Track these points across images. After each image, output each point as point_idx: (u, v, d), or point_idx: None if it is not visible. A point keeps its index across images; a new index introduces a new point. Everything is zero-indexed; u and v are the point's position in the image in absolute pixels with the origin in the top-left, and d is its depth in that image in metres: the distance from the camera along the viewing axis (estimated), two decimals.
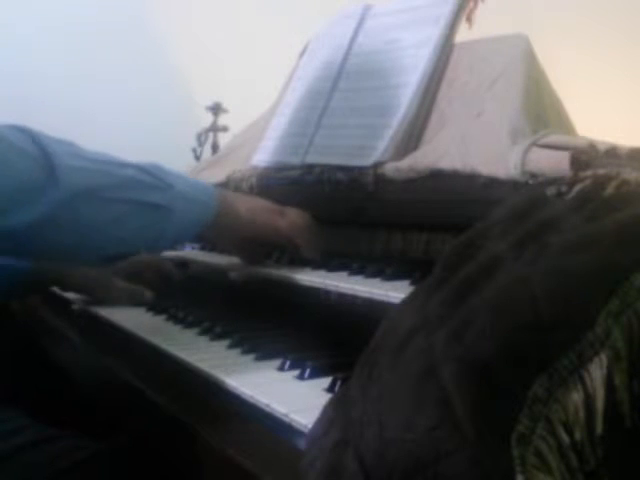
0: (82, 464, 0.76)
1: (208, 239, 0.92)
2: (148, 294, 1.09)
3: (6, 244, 0.78)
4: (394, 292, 0.69)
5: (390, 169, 0.89)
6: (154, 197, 0.82)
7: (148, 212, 0.82)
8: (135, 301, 1.08)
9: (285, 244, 0.95)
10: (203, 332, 0.86)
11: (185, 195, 0.84)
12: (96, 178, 0.78)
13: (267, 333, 0.85)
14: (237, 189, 1.19)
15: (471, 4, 0.97)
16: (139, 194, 0.81)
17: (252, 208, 0.92)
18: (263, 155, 1.17)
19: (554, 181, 0.55)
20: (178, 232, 0.86)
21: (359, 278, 0.81)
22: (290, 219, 0.93)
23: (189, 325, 0.91)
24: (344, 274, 0.83)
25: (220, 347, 0.79)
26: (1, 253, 0.94)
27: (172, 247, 0.87)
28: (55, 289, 1.21)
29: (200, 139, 2.02)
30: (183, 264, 1.20)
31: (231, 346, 0.79)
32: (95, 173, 0.79)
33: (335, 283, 0.79)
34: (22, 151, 0.74)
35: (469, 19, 0.98)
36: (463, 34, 0.97)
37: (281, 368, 0.70)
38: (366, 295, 0.73)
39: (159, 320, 0.98)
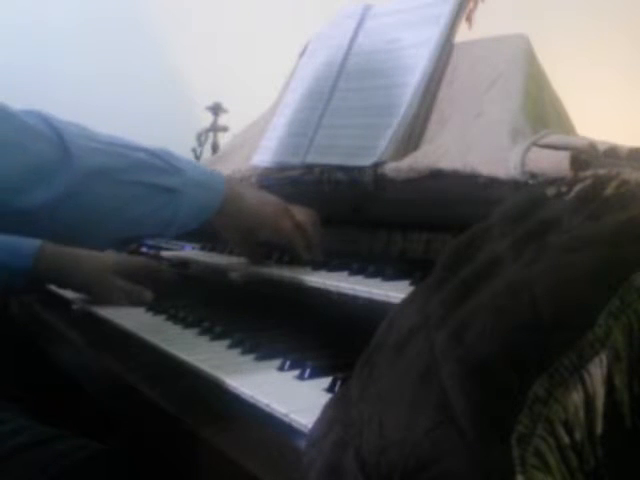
0: (82, 465, 0.76)
1: (214, 226, 0.92)
2: (148, 294, 1.09)
3: (22, 224, 0.80)
4: (394, 292, 0.69)
5: (390, 169, 0.89)
6: (165, 180, 0.83)
7: (159, 195, 0.82)
8: (134, 301, 1.08)
9: (285, 244, 0.95)
10: (203, 332, 0.86)
11: (195, 180, 0.85)
12: (109, 159, 0.80)
13: (267, 333, 0.84)
14: None
15: (471, 4, 0.97)
16: (151, 177, 0.82)
17: (259, 200, 0.93)
18: (263, 155, 1.17)
19: (554, 181, 0.55)
20: (188, 217, 0.86)
21: (359, 278, 0.81)
22: (295, 219, 0.94)
23: (189, 325, 0.91)
24: (344, 274, 0.83)
25: (220, 347, 0.79)
26: (17, 233, 0.95)
27: (181, 232, 0.88)
28: (55, 289, 1.21)
29: (200, 139, 2.02)
30: (183, 264, 1.20)
31: (231, 346, 0.79)
32: (108, 154, 0.80)
33: (335, 283, 0.79)
34: (37, 132, 0.75)
35: (469, 19, 0.98)
36: (463, 34, 0.97)
37: (281, 368, 0.70)
38: (366, 295, 0.73)
39: (159, 320, 0.98)
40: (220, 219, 0.90)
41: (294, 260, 0.96)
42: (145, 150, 0.84)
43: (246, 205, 0.91)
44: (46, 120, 0.78)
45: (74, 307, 1.12)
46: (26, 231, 0.89)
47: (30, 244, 1.09)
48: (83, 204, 0.78)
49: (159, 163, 0.83)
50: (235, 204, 0.90)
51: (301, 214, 0.95)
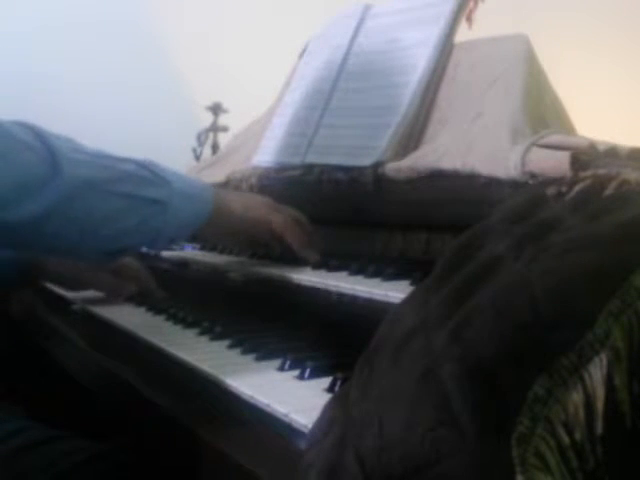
0: (82, 465, 0.76)
1: (204, 236, 0.93)
2: (132, 287, 1.10)
3: (10, 238, 0.79)
4: (394, 292, 0.69)
5: (390, 169, 0.89)
6: (153, 192, 0.83)
7: (147, 207, 0.82)
8: (116, 294, 1.08)
9: (277, 240, 0.95)
10: (203, 332, 0.86)
11: (183, 192, 0.85)
12: (97, 171, 0.80)
13: (267, 333, 0.84)
14: (237, 189, 1.19)
15: (471, 4, 0.97)
16: (139, 189, 0.82)
17: (246, 203, 0.93)
18: (263, 155, 1.17)
19: (554, 181, 0.55)
20: (176, 228, 0.87)
21: (359, 278, 0.81)
22: (284, 215, 0.94)
23: (189, 325, 0.91)
24: (344, 274, 0.83)
25: (220, 347, 0.79)
26: (4, 247, 0.95)
27: (170, 245, 0.88)
28: (54, 288, 1.21)
29: (200, 139, 2.02)
30: (183, 264, 1.20)
31: (231, 346, 0.79)
32: (95, 167, 0.80)
33: (335, 283, 0.79)
34: (26, 145, 0.75)
35: (469, 19, 0.98)
36: (463, 34, 0.97)
37: (281, 368, 0.70)
38: (366, 295, 0.73)
39: (159, 320, 0.98)
40: (209, 229, 0.90)
41: (294, 260, 0.96)
42: (132, 162, 0.84)
43: (234, 212, 0.91)
44: (34, 132, 0.77)
45: (74, 307, 1.12)
46: (13, 244, 0.89)
47: None
48: (71, 216, 0.78)
49: (146, 175, 0.84)
50: (223, 213, 0.90)
51: (288, 212, 0.95)
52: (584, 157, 0.64)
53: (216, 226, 0.90)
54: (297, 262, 0.94)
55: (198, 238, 0.92)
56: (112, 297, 1.10)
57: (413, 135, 0.92)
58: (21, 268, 1.10)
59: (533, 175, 0.69)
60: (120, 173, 0.82)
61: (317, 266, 0.89)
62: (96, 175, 0.79)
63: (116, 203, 0.80)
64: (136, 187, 0.82)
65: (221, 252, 1.17)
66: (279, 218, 0.93)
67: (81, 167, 0.78)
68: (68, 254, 0.92)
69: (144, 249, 1.37)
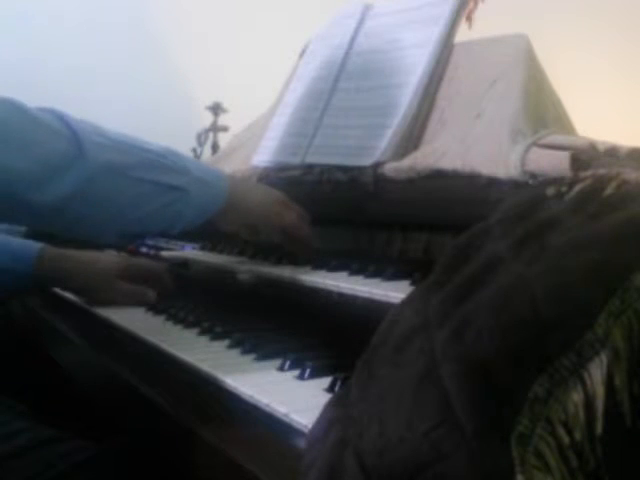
0: (82, 466, 0.75)
1: (219, 224, 0.95)
2: (151, 294, 1.09)
3: (35, 218, 0.83)
4: (394, 292, 0.69)
5: (390, 169, 0.89)
6: (173, 179, 0.85)
7: (168, 193, 0.85)
8: (138, 301, 1.08)
9: (287, 236, 0.96)
10: (203, 332, 0.86)
11: (201, 179, 0.88)
12: (120, 156, 0.82)
13: (267, 333, 0.84)
14: None
15: (471, 4, 0.97)
16: (160, 175, 0.84)
17: (260, 195, 0.95)
18: (263, 155, 1.17)
19: (554, 181, 0.55)
20: (193, 214, 0.89)
21: (359, 278, 0.81)
22: (296, 213, 0.96)
23: (189, 325, 0.91)
24: (344, 274, 0.83)
25: (220, 347, 0.79)
26: (29, 226, 0.97)
27: (187, 230, 0.91)
28: (56, 289, 1.21)
29: (200, 139, 2.02)
30: (183, 264, 1.20)
31: (231, 346, 0.79)
32: (119, 152, 0.83)
33: (335, 283, 0.79)
34: (51, 128, 0.78)
35: (469, 19, 0.98)
36: (463, 34, 0.97)
37: (281, 368, 0.70)
38: (366, 295, 0.73)
39: (159, 320, 0.98)
40: (225, 216, 0.92)
41: (294, 260, 0.96)
42: (153, 149, 0.86)
43: (250, 200, 0.93)
44: (60, 117, 0.80)
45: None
46: (38, 225, 0.92)
47: (31, 247, 1.09)
48: (94, 199, 0.80)
49: (166, 162, 0.86)
50: (238, 200, 0.92)
51: (299, 209, 0.97)
52: (584, 157, 0.64)
53: (230, 213, 0.92)
54: (297, 262, 0.94)
55: (211, 227, 0.94)
56: (133, 305, 1.08)
57: (413, 135, 0.92)
58: (29, 279, 1.10)
59: (533, 175, 0.69)
60: (142, 159, 0.84)
61: (317, 266, 0.89)
62: (119, 160, 0.82)
63: (137, 188, 0.83)
64: (157, 173, 0.84)
65: (221, 252, 1.17)
66: (292, 215, 0.95)
67: (105, 151, 0.81)
68: (87, 236, 0.93)
69: (144, 249, 1.38)
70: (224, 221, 0.94)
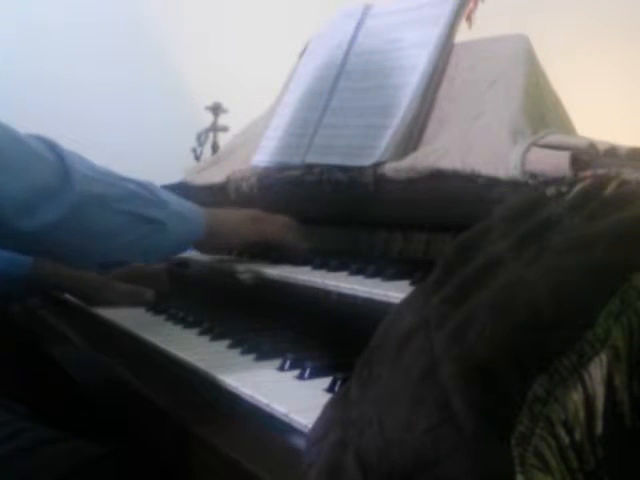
0: (82, 466, 0.75)
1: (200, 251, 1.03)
2: (149, 294, 1.09)
3: (19, 244, 0.85)
4: (394, 292, 0.69)
5: (390, 169, 0.89)
6: (153, 212, 0.88)
7: (146, 225, 0.88)
8: (137, 302, 1.08)
9: (271, 245, 1.00)
10: (203, 332, 0.86)
11: (178, 213, 0.91)
12: (105, 188, 0.85)
13: (267, 333, 0.84)
14: (237, 189, 1.19)
15: (471, 4, 0.97)
16: (140, 208, 0.87)
17: (235, 220, 1.00)
18: (263, 155, 1.17)
19: (554, 181, 0.55)
20: (170, 247, 0.94)
21: (359, 278, 0.81)
22: (277, 225, 1.00)
23: (189, 325, 0.91)
24: (344, 274, 0.83)
25: (220, 347, 0.79)
26: (13, 251, 0.99)
27: (163, 260, 0.94)
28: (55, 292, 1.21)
29: (200, 139, 2.02)
30: (183, 264, 1.20)
31: (231, 346, 0.79)
32: (104, 183, 0.85)
33: (335, 283, 0.79)
34: (41, 156, 0.80)
35: (469, 19, 0.98)
36: (463, 34, 0.97)
37: (281, 368, 0.70)
38: (366, 295, 0.73)
39: (159, 320, 0.98)
40: (204, 247, 0.98)
41: (294, 260, 0.96)
42: (134, 181, 0.89)
43: (226, 229, 0.98)
44: (49, 145, 0.82)
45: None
46: (23, 251, 0.94)
47: None
48: (79, 228, 0.83)
49: (148, 195, 0.89)
50: (214, 233, 0.96)
51: (277, 219, 1.01)
52: (584, 157, 0.64)
53: (209, 244, 0.98)
54: (297, 262, 0.94)
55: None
56: (133, 305, 1.10)
57: (413, 135, 0.92)
58: (27, 282, 1.10)
59: (533, 175, 0.69)
60: (126, 191, 0.87)
61: (317, 266, 0.89)
62: (105, 191, 0.84)
63: (119, 219, 0.85)
64: (139, 206, 0.87)
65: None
66: (271, 227, 0.99)
67: (92, 182, 0.83)
68: (69, 262, 0.97)
69: None
70: (204, 250, 1.00)
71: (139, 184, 0.89)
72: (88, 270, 1.09)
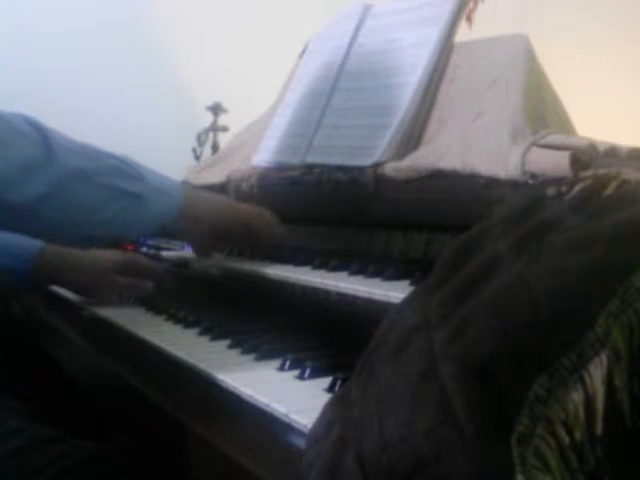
0: (82, 467, 0.75)
1: (174, 232, 1.04)
2: (149, 284, 1.12)
3: (7, 218, 0.86)
4: (394, 292, 0.69)
5: (390, 169, 0.89)
6: (132, 186, 0.90)
7: (127, 199, 0.90)
8: (136, 293, 1.10)
9: (249, 233, 1.01)
10: (203, 332, 0.86)
11: (157, 187, 0.93)
12: (87, 162, 0.87)
13: (267, 333, 0.85)
14: (237, 189, 1.20)
15: (471, 4, 0.97)
16: (122, 182, 0.89)
17: (213, 200, 1.03)
18: (263, 155, 1.17)
19: (554, 181, 0.55)
20: (148, 221, 0.95)
21: (359, 278, 0.81)
22: (254, 208, 1.02)
23: (189, 325, 0.91)
24: (344, 274, 0.83)
25: (220, 347, 0.79)
26: (3, 228, 1.01)
27: (140, 236, 0.98)
28: (57, 290, 1.21)
29: (200, 139, 2.02)
30: (183, 264, 1.20)
31: (231, 346, 0.79)
32: (87, 157, 0.88)
33: (335, 283, 0.79)
34: (23, 132, 0.83)
35: (469, 19, 0.98)
36: (463, 34, 0.97)
37: (281, 368, 0.70)
38: (366, 295, 0.73)
39: (159, 320, 0.98)
40: (178, 223, 0.98)
41: (293, 260, 0.96)
42: (115, 157, 0.91)
43: (201, 209, 0.99)
44: (30, 122, 0.84)
45: (84, 314, 1.12)
46: (12, 226, 0.96)
47: (31, 246, 1.09)
48: (63, 202, 0.85)
49: (128, 169, 0.91)
50: (192, 209, 0.97)
51: (252, 206, 1.04)
52: (584, 157, 0.64)
53: (184, 221, 0.98)
54: (297, 262, 0.94)
55: (169, 234, 1.00)
56: (132, 296, 1.12)
57: (413, 135, 0.92)
58: (30, 277, 1.10)
59: (533, 175, 0.69)
60: (107, 165, 0.89)
61: (317, 266, 0.89)
62: (87, 165, 0.87)
63: (101, 193, 0.88)
64: (120, 180, 0.89)
65: (221, 252, 1.17)
66: (251, 210, 1.02)
67: (74, 156, 0.86)
68: (54, 236, 0.98)
69: (144, 249, 1.38)
70: (178, 228, 1.00)
71: (118, 158, 0.91)
72: (71, 246, 1.11)
